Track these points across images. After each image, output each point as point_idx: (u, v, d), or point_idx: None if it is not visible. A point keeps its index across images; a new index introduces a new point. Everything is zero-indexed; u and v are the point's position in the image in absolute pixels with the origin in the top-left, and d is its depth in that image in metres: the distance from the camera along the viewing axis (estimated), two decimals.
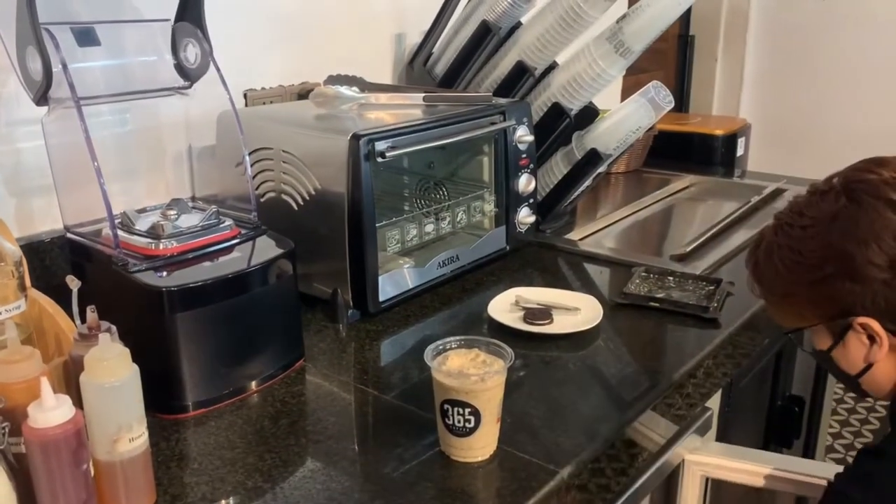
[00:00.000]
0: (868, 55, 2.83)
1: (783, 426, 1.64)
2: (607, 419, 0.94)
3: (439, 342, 0.89)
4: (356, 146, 1.10)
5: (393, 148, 1.13)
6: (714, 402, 1.24)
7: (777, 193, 1.82)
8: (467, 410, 0.83)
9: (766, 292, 0.96)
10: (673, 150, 2.15)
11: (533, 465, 0.85)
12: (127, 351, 0.75)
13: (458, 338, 0.89)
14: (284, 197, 1.21)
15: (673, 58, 2.89)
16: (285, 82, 1.48)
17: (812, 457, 2.03)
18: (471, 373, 0.83)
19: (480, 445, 0.85)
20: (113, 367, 0.73)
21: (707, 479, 1.12)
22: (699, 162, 2.18)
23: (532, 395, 0.98)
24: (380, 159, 1.12)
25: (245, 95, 1.42)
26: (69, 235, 1.02)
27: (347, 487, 0.81)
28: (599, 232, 1.63)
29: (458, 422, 0.83)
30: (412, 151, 1.18)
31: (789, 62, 2.97)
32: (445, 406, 0.84)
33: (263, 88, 1.44)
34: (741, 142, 2.21)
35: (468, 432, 0.83)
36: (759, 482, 1.06)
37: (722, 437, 1.35)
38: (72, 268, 1.03)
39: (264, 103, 1.44)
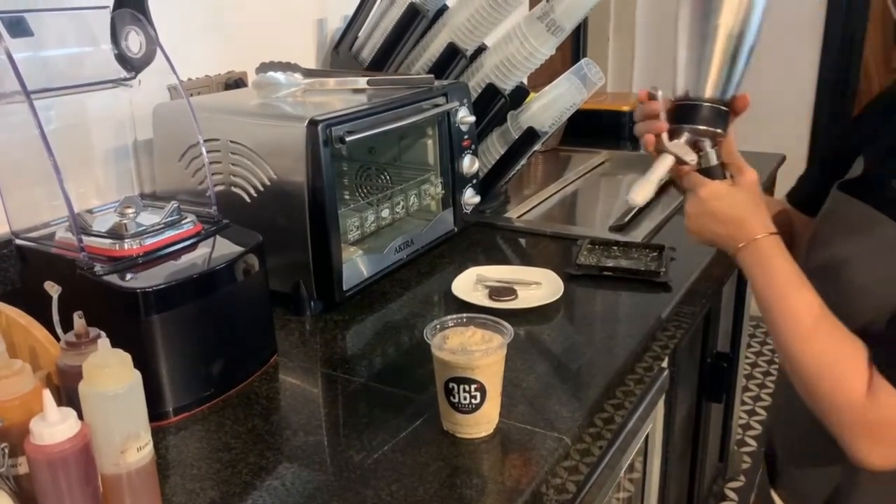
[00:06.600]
0: None
1: (714, 382, 1.74)
2: (593, 384, 0.97)
3: (435, 322, 0.88)
4: (314, 132, 1.08)
5: (351, 133, 1.11)
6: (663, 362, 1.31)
7: None
8: (473, 387, 0.83)
9: None
10: (583, 127, 2.21)
11: (537, 434, 0.86)
12: (128, 356, 0.71)
13: (453, 317, 0.89)
14: (235, 189, 1.17)
15: (569, 39, 2.97)
16: (209, 72, 1.42)
17: (731, 408, 2.16)
18: (475, 349, 0.84)
19: (486, 420, 0.85)
20: (116, 374, 0.69)
21: None
22: (609, 137, 2.26)
23: (517, 369, 0.99)
24: (339, 145, 1.10)
25: (170, 88, 1.34)
26: (19, 241, 0.94)
27: (361, 475, 0.80)
28: (534, 209, 1.66)
29: (465, 399, 0.83)
30: (371, 135, 1.15)
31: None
32: (451, 384, 0.84)
33: (190, 79, 1.38)
34: None
35: (474, 408, 0.84)
36: None
37: (669, 393, 1.42)
38: (21, 275, 0.96)
39: (192, 94, 1.37)
